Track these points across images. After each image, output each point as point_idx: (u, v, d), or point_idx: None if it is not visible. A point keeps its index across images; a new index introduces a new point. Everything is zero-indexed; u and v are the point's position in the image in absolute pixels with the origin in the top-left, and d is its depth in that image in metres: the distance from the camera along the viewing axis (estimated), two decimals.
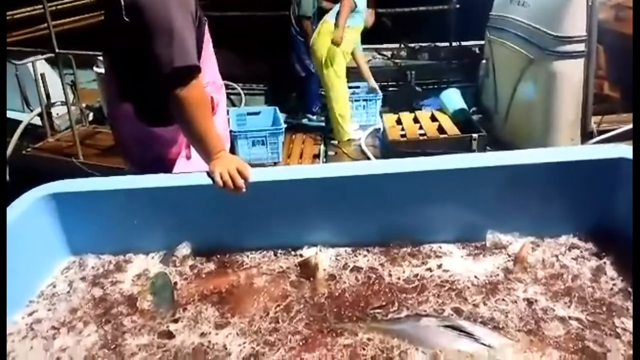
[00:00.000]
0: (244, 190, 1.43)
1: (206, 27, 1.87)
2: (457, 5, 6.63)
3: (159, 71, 1.64)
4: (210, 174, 1.55)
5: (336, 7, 5.32)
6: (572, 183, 1.34)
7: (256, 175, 1.43)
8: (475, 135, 4.78)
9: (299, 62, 5.94)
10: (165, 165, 1.83)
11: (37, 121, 4.64)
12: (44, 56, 4.31)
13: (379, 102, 5.96)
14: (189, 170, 1.77)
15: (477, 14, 5.50)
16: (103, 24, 1.92)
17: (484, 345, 1.11)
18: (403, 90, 6.32)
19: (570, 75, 4.05)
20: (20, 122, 4.47)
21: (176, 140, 1.87)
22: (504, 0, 4.95)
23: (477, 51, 6.35)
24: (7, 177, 4.10)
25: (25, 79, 4.91)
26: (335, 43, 5.28)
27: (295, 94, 6.29)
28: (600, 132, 4.02)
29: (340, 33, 5.22)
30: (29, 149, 4.34)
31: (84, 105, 4.95)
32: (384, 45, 6.78)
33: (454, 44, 6.76)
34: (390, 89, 6.51)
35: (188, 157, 1.90)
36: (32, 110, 4.78)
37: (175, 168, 1.84)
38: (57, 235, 1.47)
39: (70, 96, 4.44)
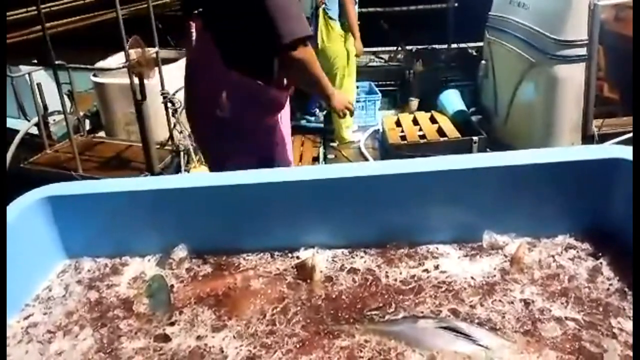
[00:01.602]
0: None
1: None
2: (456, 4, 6.64)
3: (282, 41, 2.13)
4: (332, 109, 2.53)
5: (330, 1, 5.29)
6: (568, 183, 1.34)
7: (252, 177, 1.43)
8: (475, 138, 4.79)
9: None
10: (261, 129, 2.41)
11: (34, 130, 4.62)
12: (40, 67, 4.31)
13: (378, 103, 5.97)
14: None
15: (476, 13, 5.50)
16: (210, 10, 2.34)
17: (481, 346, 1.10)
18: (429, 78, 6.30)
19: (572, 79, 4.06)
20: (16, 130, 4.46)
21: (276, 104, 2.42)
22: (504, 1, 4.95)
23: (474, 53, 6.36)
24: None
25: (21, 87, 4.92)
26: (359, 56, 5.38)
27: (293, 94, 6.34)
28: (601, 136, 4.02)
29: (361, 45, 5.32)
30: (26, 162, 4.30)
31: (81, 113, 4.95)
32: (381, 49, 6.81)
33: (452, 45, 6.77)
34: (390, 88, 6.52)
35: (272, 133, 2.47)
36: (28, 120, 4.78)
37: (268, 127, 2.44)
38: (53, 238, 1.46)
39: (68, 104, 4.43)
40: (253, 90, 2.32)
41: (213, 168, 2.63)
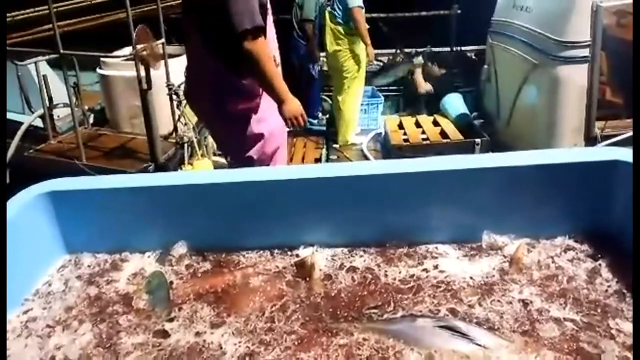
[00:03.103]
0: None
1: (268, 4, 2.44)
2: (459, 11, 6.64)
3: (234, 32, 2.24)
4: (281, 115, 2.49)
5: (337, 10, 5.30)
6: (568, 185, 1.34)
7: (253, 174, 1.43)
8: (478, 140, 4.79)
9: (301, 66, 5.94)
10: (240, 113, 2.54)
11: (38, 123, 4.63)
12: (46, 57, 4.31)
13: (380, 107, 5.97)
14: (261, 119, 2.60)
15: (478, 19, 5.50)
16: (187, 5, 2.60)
17: (479, 345, 1.10)
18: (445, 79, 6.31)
19: (574, 80, 4.05)
20: (21, 123, 4.46)
21: (252, 90, 2.52)
22: (506, 6, 4.95)
23: (474, 57, 6.35)
24: (8, 179, 4.10)
25: (27, 80, 4.91)
26: (370, 61, 5.41)
27: (297, 97, 6.36)
28: (604, 138, 4.01)
29: (372, 50, 5.36)
30: (31, 151, 4.32)
31: (86, 107, 4.96)
32: (380, 51, 6.81)
33: (455, 48, 6.76)
34: (393, 93, 6.51)
35: (257, 111, 2.59)
36: (33, 112, 4.78)
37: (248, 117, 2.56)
38: (53, 234, 1.47)
39: (73, 98, 4.44)
40: (227, 80, 2.47)
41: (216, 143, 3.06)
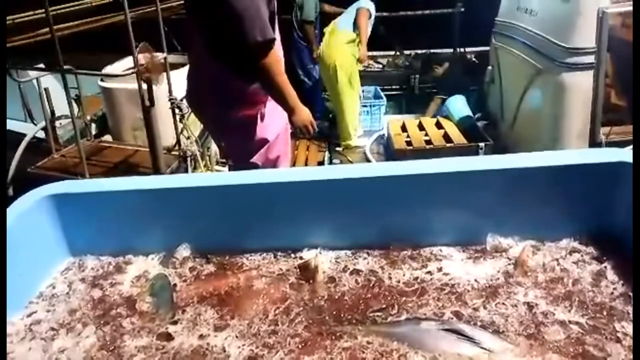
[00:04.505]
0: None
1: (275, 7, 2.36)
2: (462, 10, 6.61)
3: (244, 44, 2.18)
4: (292, 124, 2.53)
5: (346, 14, 5.31)
6: (572, 186, 1.34)
7: (256, 177, 1.43)
8: (482, 145, 4.77)
9: (302, 68, 5.93)
10: (244, 119, 2.51)
11: (41, 134, 4.61)
12: (48, 72, 4.30)
13: (383, 108, 5.96)
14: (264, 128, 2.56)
15: (482, 19, 5.48)
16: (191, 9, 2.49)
17: (484, 349, 1.10)
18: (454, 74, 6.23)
19: (579, 86, 4.02)
20: (23, 134, 4.44)
21: (257, 96, 2.47)
22: (511, 7, 4.93)
23: (474, 59, 6.32)
24: (11, 193, 4.08)
25: (29, 90, 4.90)
26: (361, 62, 5.38)
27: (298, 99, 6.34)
28: (609, 144, 3.99)
29: (366, 51, 5.31)
30: (33, 167, 4.30)
31: (88, 117, 4.95)
32: (380, 53, 6.78)
33: (458, 49, 6.73)
34: (394, 93, 6.50)
35: (262, 117, 2.54)
36: (35, 123, 4.77)
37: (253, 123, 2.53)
38: (57, 236, 1.46)
39: (75, 109, 4.42)
40: (231, 85, 2.44)
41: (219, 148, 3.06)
